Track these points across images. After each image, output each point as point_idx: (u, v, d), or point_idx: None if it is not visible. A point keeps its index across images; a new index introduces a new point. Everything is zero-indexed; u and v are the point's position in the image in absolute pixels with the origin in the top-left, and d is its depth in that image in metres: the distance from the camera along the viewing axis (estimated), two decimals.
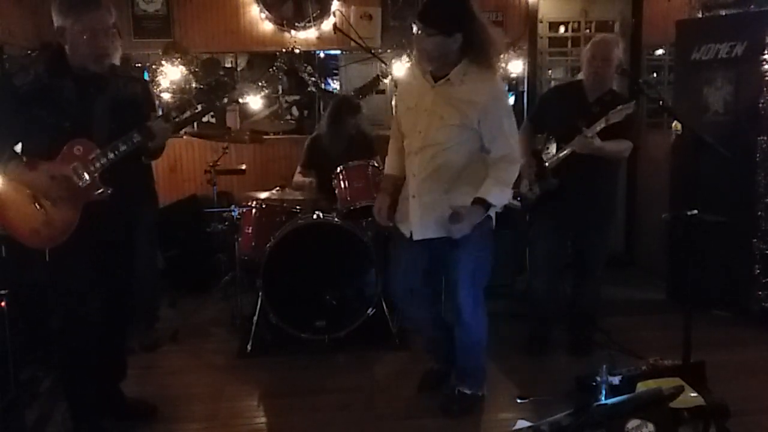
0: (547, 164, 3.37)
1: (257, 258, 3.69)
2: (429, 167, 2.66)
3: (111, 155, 2.41)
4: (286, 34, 5.10)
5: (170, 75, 4.93)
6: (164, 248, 4.60)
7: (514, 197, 3.87)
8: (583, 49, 3.43)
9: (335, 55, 5.44)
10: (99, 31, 2.36)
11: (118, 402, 2.85)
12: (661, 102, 3.58)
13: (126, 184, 2.55)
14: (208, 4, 5.06)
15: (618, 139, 3.22)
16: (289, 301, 3.57)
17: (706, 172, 3.01)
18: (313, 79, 5.16)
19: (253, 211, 3.87)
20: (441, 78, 2.61)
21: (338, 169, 3.76)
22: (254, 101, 5.16)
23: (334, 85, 5.49)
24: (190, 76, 4.95)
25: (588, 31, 5.42)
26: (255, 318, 3.64)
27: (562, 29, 5.52)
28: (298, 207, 3.89)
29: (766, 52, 3.85)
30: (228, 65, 5.36)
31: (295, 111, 5.50)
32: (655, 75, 5.45)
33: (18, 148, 2.48)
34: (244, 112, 5.27)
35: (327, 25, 5.08)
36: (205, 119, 5.18)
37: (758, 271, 3.97)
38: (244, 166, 4.77)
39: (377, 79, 5.01)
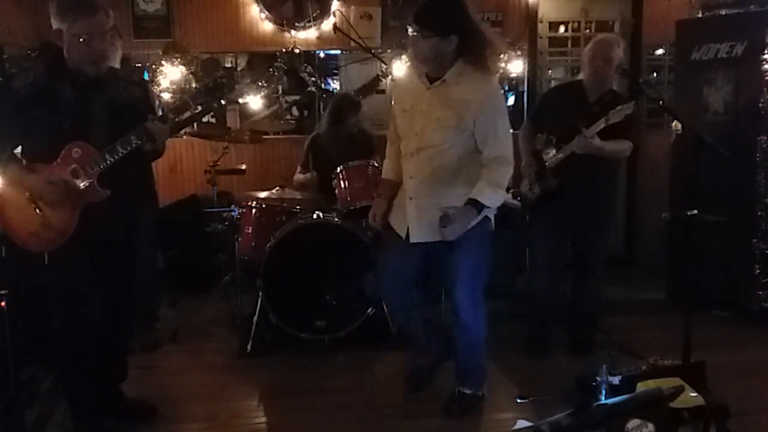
0: (547, 164, 3.37)
1: (257, 258, 3.69)
2: (426, 169, 2.66)
3: (109, 157, 2.41)
4: (286, 34, 5.10)
5: (170, 75, 4.94)
6: (164, 248, 4.60)
7: (514, 197, 3.87)
8: (584, 49, 3.43)
9: (335, 55, 5.44)
10: (95, 35, 2.36)
11: (118, 402, 2.85)
12: (661, 102, 3.58)
13: (126, 185, 2.55)
14: (208, 4, 5.06)
15: (618, 140, 3.22)
16: (289, 301, 3.57)
17: (706, 172, 3.01)
18: (313, 79, 5.17)
19: (253, 211, 3.87)
20: (437, 79, 2.60)
21: (338, 169, 3.76)
22: (254, 101, 5.16)
23: (334, 85, 5.50)
24: (190, 76, 4.95)
25: (588, 31, 5.41)
26: (255, 318, 3.64)
27: (562, 29, 5.52)
28: (298, 207, 3.89)
29: (766, 52, 3.85)
30: (228, 65, 5.37)
31: (295, 111, 5.50)
32: (655, 75, 5.45)
33: (18, 150, 2.49)
34: (244, 112, 5.27)
35: (327, 25, 5.08)
36: (205, 119, 5.18)
37: (758, 271, 3.97)
38: (244, 166, 4.77)
39: (377, 79, 5.02)
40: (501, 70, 5.22)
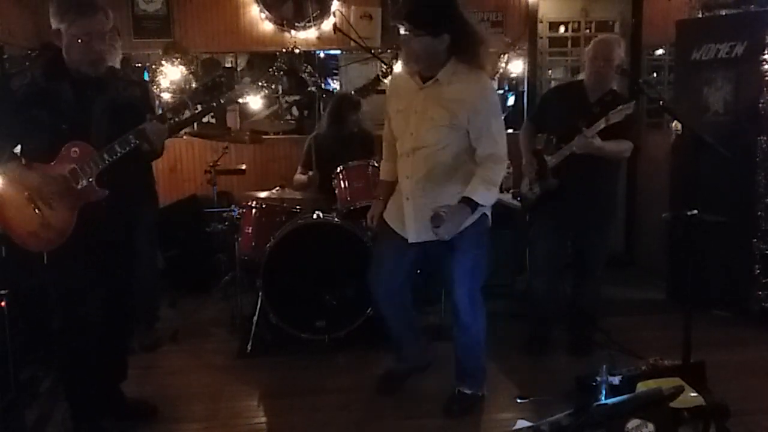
0: (548, 164, 3.37)
1: (257, 258, 3.69)
2: (422, 169, 2.65)
3: (107, 157, 2.40)
4: (286, 34, 5.10)
5: (170, 75, 4.94)
6: (164, 248, 4.60)
7: (514, 197, 3.88)
8: (585, 49, 3.43)
9: (335, 55, 5.44)
10: (94, 36, 2.35)
11: (119, 402, 2.84)
12: (661, 102, 3.58)
13: (126, 185, 2.55)
14: (208, 4, 5.06)
15: (618, 140, 3.22)
16: (289, 301, 3.57)
17: (706, 172, 3.00)
18: (313, 79, 5.17)
19: (253, 211, 3.87)
20: (429, 79, 2.59)
21: (338, 169, 3.76)
22: (254, 101, 5.16)
23: (334, 85, 5.50)
24: (190, 76, 4.95)
25: (588, 31, 5.42)
26: (255, 318, 3.64)
27: (562, 29, 5.52)
28: (298, 207, 3.89)
29: (766, 52, 3.85)
30: (228, 65, 5.37)
31: (295, 111, 5.51)
32: (655, 75, 5.45)
33: (17, 149, 2.48)
34: (244, 112, 5.27)
35: (327, 25, 5.09)
36: (205, 119, 5.18)
37: (758, 271, 3.97)
38: (244, 166, 4.78)
39: (377, 79, 5.02)
40: (501, 70, 5.25)
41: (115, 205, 2.49)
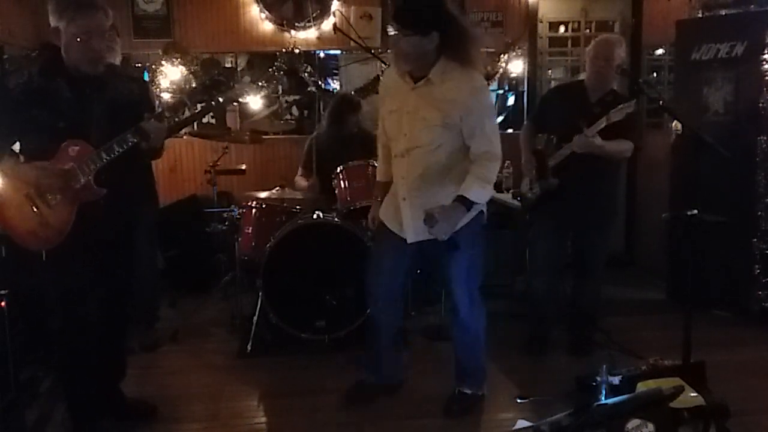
0: (548, 163, 3.36)
1: (257, 258, 3.68)
2: (417, 169, 2.64)
3: (105, 156, 2.39)
4: (286, 34, 5.10)
5: (170, 75, 4.94)
6: (164, 248, 4.60)
7: (514, 197, 3.87)
8: (586, 49, 3.43)
9: (335, 55, 5.44)
10: (93, 34, 2.34)
11: (118, 402, 2.84)
12: (660, 102, 3.58)
13: (125, 184, 2.55)
14: (208, 4, 5.06)
15: (619, 139, 3.22)
16: (289, 301, 3.57)
17: (706, 172, 3.01)
18: (313, 79, 5.17)
19: (253, 211, 3.87)
20: (420, 78, 2.58)
21: (338, 169, 3.76)
22: (254, 101, 5.16)
23: (334, 85, 5.50)
24: (190, 76, 4.95)
25: (588, 31, 5.42)
26: (255, 318, 3.64)
27: (562, 29, 5.52)
28: (298, 207, 3.89)
29: (766, 52, 3.85)
30: (228, 65, 5.37)
31: (295, 111, 5.51)
32: (655, 75, 5.45)
33: (16, 148, 2.48)
34: (244, 112, 5.27)
35: (327, 25, 5.09)
36: (205, 119, 5.18)
37: (758, 271, 3.98)
38: (244, 166, 4.78)
39: (377, 79, 5.01)
40: (501, 70, 5.25)
41: (114, 205, 2.49)
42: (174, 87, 4.93)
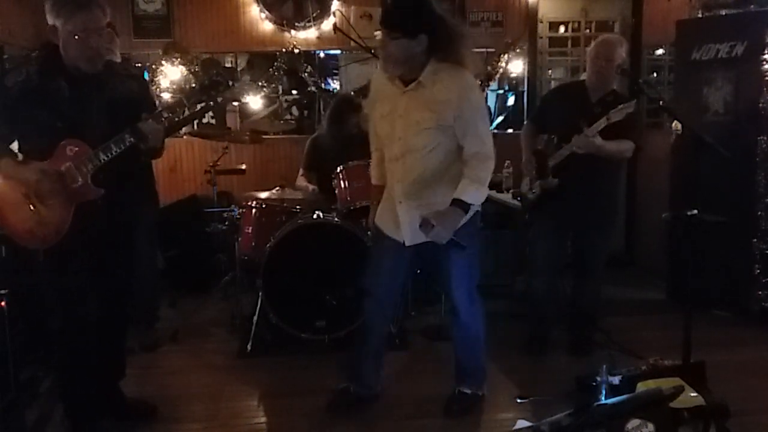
0: (548, 163, 3.36)
1: (257, 258, 3.68)
2: (413, 173, 2.62)
3: (103, 156, 2.39)
4: (286, 34, 5.10)
5: (170, 75, 4.95)
6: (164, 248, 4.60)
7: (514, 197, 3.87)
8: (587, 49, 3.43)
9: (335, 55, 5.44)
10: (91, 32, 2.33)
11: (118, 402, 2.84)
12: (660, 102, 3.58)
13: (125, 184, 2.54)
14: (208, 4, 5.06)
15: (619, 139, 3.22)
16: (289, 301, 3.57)
17: (706, 172, 3.00)
18: (313, 79, 5.17)
19: (253, 211, 3.87)
20: (410, 81, 2.56)
21: (338, 169, 3.76)
22: (254, 101, 5.17)
23: (334, 85, 5.50)
24: (190, 76, 4.95)
25: (588, 31, 5.42)
26: (255, 318, 3.64)
27: (562, 29, 5.53)
28: (298, 207, 3.89)
29: (766, 52, 3.85)
30: (228, 65, 5.37)
31: (295, 111, 5.51)
32: (655, 75, 5.46)
33: (14, 146, 2.48)
34: (244, 112, 5.28)
35: (327, 25, 5.09)
36: (205, 119, 5.19)
37: (758, 271, 3.98)
38: (244, 166, 4.78)
39: None
40: (501, 70, 5.25)
41: (113, 204, 2.48)
42: (174, 87, 4.93)
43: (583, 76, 3.48)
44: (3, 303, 2.66)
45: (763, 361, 3.49)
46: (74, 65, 2.39)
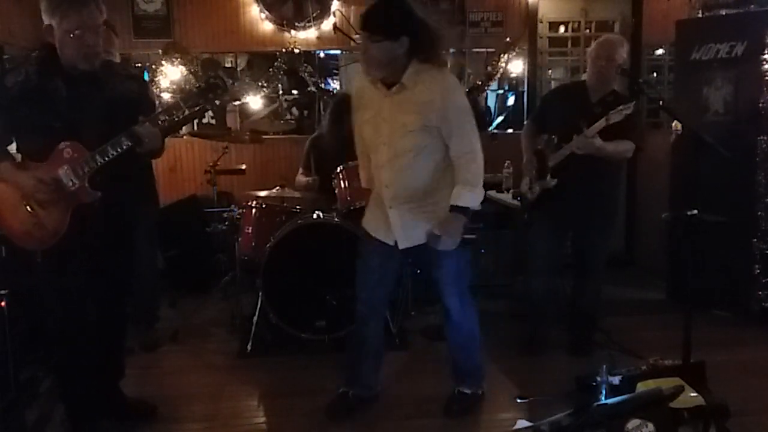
0: (548, 163, 3.37)
1: (257, 258, 3.68)
2: (401, 177, 2.61)
3: (100, 159, 2.37)
4: (286, 34, 5.10)
5: (170, 75, 4.95)
6: (164, 248, 4.60)
7: (514, 197, 3.87)
8: (588, 49, 3.44)
9: (335, 55, 5.45)
10: (87, 29, 2.32)
11: (119, 402, 2.84)
12: (660, 102, 3.58)
13: (125, 185, 2.54)
14: (208, 4, 5.06)
15: (619, 140, 3.22)
16: (289, 301, 3.57)
17: (706, 172, 3.01)
18: (313, 79, 5.17)
19: (253, 211, 3.87)
20: (393, 85, 2.55)
21: (338, 169, 3.76)
22: (254, 101, 5.17)
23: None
24: (190, 76, 4.95)
25: (588, 31, 5.42)
26: (255, 318, 3.64)
27: (562, 29, 5.53)
28: (298, 207, 3.89)
29: (766, 52, 3.85)
30: (228, 65, 5.37)
31: (295, 111, 5.51)
32: (655, 75, 5.46)
33: (13, 148, 2.47)
34: (244, 112, 5.28)
35: (327, 25, 5.09)
36: (205, 119, 5.19)
37: (758, 271, 3.98)
38: (244, 166, 4.77)
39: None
40: (501, 70, 5.24)
41: (112, 205, 2.48)
42: (174, 87, 4.93)
43: (584, 77, 3.48)
44: (3, 303, 2.66)
45: (763, 361, 3.49)
46: (72, 64, 2.38)
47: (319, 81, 5.22)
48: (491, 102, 5.83)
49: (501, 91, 5.84)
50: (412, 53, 2.50)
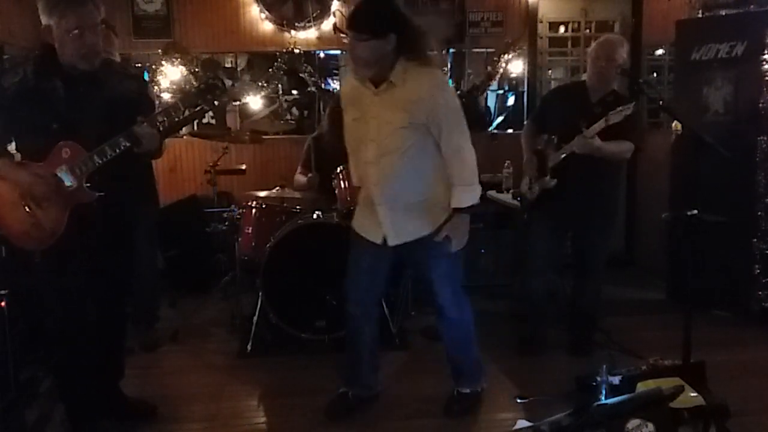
0: (548, 163, 3.37)
1: (257, 258, 3.69)
2: (389, 174, 2.61)
3: (98, 160, 2.37)
4: (286, 34, 5.10)
5: (170, 75, 4.95)
6: (164, 248, 4.60)
7: (514, 197, 3.87)
8: (588, 49, 3.44)
9: (335, 55, 5.45)
10: (86, 28, 2.31)
11: (119, 402, 2.84)
12: (660, 102, 3.58)
13: (124, 186, 2.53)
14: (208, 4, 5.06)
15: (619, 140, 3.22)
16: (289, 301, 3.57)
17: (706, 172, 3.00)
18: (313, 79, 5.17)
19: (253, 211, 3.87)
20: (380, 83, 2.56)
21: (338, 169, 3.76)
22: (254, 101, 5.17)
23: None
24: (190, 76, 4.95)
25: (588, 31, 5.42)
26: (255, 318, 3.64)
27: (562, 29, 5.53)
28: (298, 207, 3.89)
29: (766, 52, 3.85)
30: (228, 65, 5.37)
31: (295, 111, 5.51)
32: (655, 75, 5.46)
33: (12, 147, 2.47)
34: (244, 112, 5.28)
35: (327, 25, 5.09)
36: (205, 119, 5.19)
37: (758, 271, 3.98)
38: (244, 166, 4.78)
39: None
40: (501, 70, 5.25)
41: (111, 205, 2.48)
42: (174, 87, 4.93)
43: (584, 77, 3.48)
44: (3, 303, 2.66)
45: (763, 361, 3.49)
46: (71, 64, 2.37)
47: (319, 81, 5.22)
48: (491, 102, 5.82)
49: (501, 91, 5.83)
50: (399, 51, 2.52)
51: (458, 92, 5.33)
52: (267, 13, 5.05)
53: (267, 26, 5.10)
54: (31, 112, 2.35)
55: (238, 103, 5.16)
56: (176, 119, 2.79)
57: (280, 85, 5.23)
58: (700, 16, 4.33)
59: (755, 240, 3.97)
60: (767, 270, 3.96)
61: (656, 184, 4.84)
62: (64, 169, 2.37)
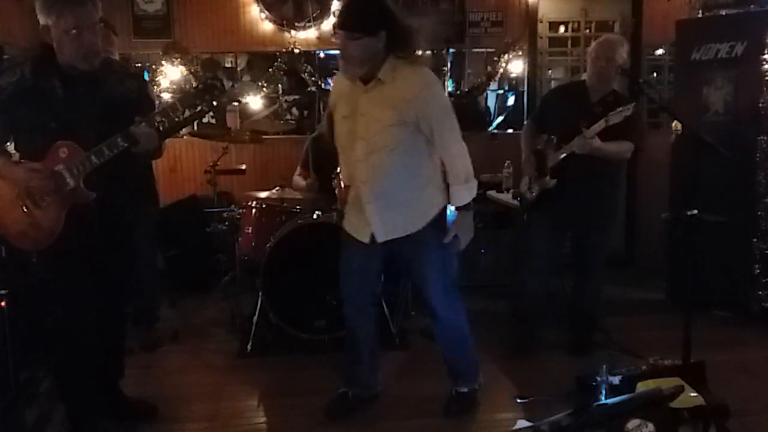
0: (548, 163, 3.37)
1: (257, 258, 3.69)
2: (378, 172, 2.60)
3: (96, 159, 2.36)
4: (286, 34, 5.10)
5: (170, 75, 4.95)
6: (164, 248, 4.60)
7: (514, 197, 3.87)
8: (588, 49, 3.44)
9: (335, 55, 5.42)
10: (84, 28, 2.31)
11: (119, 402, 2.84)
12: (660, 102, 3.57)
13: (122, 186, 2.53)
14: (208, 4, 5.06)
15: (619, 141, 3.22)
16: (289, 301, 3.57)
17: (706, 172, 3.00)
18: (313, 79, 5.17)
19: (253, 211, 3.87)
20: (370, 80, 2.55)
21: (338, 170, 3.76)
22: (254, 101, 5.17)
23: None
24: (190, 76, 4.96)
25: (588, 31, 5.42)
26: (255, 318, 3.64)
27: (562, 29, 5.53)
28: (298, 207, 3.89)
29: (766, 52, 3.85)
30: (228, 65, 5.37)
31: (295, 111, 5.51)
32: (655, 75, 5.46)
33: (11, 147, 2.47)
34: (244, 112, 5.28)
35: (327, 25, 5.09)
36: (205, 119, 5.19)
37: (758, 271, 3.97)
38: (244, 166, 4.78)
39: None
40: (501, 70, 5.25)
41: (111, 205, 2.47)
42: (174, 87, 4.93)
43: (584, 77, 3.48)
44: (3, 303, 2.66)
45: (763, 361, 3.49)
46: (70, 64, 2.37)
47: (319, 81, 5.22)
48: (491, 102, 5.83)
49: (501, 91, 5.84)
50: (388, 49, 2.52)
51: (458, 92, 5.34)
52: (267, 13, 5.05)
53: (267, 26, 5.10)
54: (29, 111, 2.35)
55: (238, 103, 5.16)
56: (176, 120, 2.78)
57: (280, 86, 5.23)
58: (700, 16, 4.33)
59: (755, 240, 3.97)
60: (767, 270, 3.96)
61: (656, 184, 4.84)
62: (61, 169, 2.37)
